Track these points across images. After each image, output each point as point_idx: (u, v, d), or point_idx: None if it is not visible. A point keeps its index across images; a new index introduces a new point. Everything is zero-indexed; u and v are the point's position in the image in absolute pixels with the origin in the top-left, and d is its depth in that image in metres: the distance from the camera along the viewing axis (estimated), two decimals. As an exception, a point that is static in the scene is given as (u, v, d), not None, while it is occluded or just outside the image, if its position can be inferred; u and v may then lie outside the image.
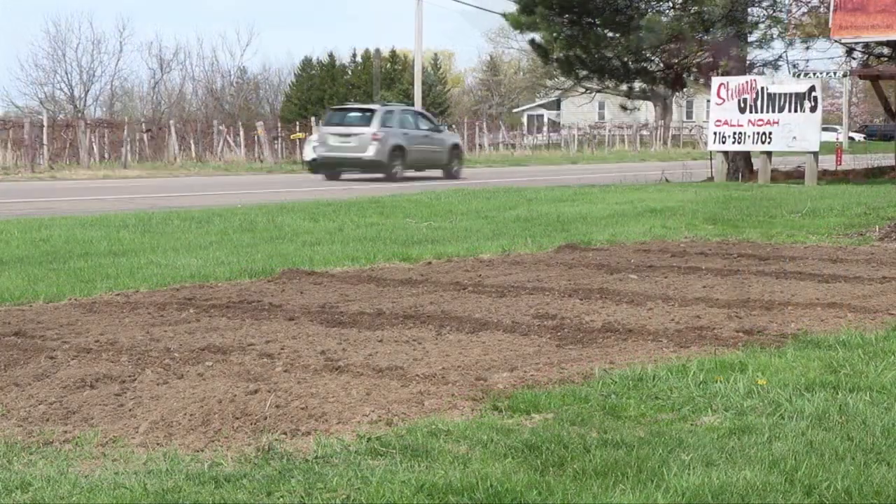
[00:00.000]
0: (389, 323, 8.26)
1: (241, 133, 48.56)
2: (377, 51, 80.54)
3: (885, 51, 34.09)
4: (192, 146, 46.53)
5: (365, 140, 33.92)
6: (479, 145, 61.64)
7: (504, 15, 35.05)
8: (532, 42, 35.27)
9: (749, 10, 32.33)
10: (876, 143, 70.00)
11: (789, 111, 27.44)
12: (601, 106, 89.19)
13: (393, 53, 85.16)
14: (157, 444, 5.19)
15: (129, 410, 5.70)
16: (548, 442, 5.05)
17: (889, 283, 10.18)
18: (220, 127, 48.97)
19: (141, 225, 16.37)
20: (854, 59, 36.47)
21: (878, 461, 4.82)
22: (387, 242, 14.19)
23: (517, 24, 33.94)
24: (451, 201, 21.53)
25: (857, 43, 32.21)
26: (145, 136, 46.86)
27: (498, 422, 5.48)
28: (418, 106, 50.40)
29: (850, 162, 37.49)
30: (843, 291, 9.73)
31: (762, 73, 32.83)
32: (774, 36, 31.94)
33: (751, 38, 32.55)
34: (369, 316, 8.57)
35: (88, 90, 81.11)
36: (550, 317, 8.53)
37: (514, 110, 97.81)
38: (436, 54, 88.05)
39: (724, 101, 28.50)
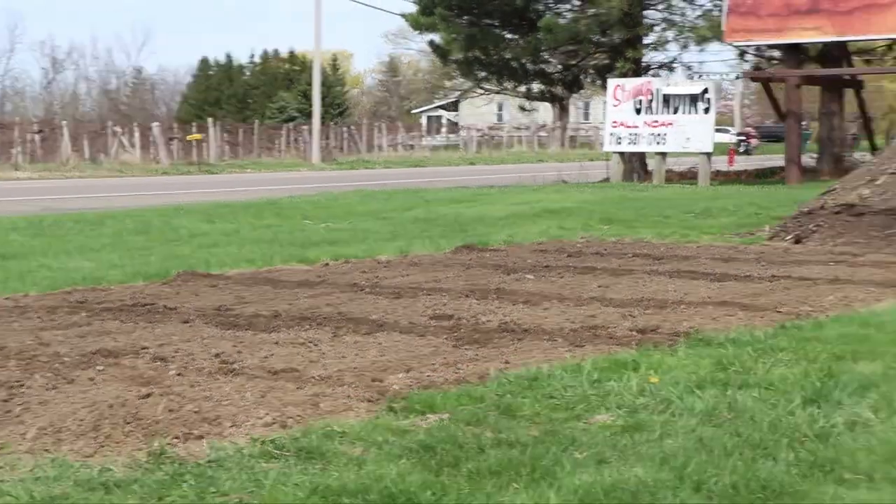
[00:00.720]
0: (286, 325, 8.22)
1: (137, 134, 47.90)
2: (276, 51, 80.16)
3: (777, 54, 34.73)
4: (86, 147, 45.79)
5: None
6: (378, 146, 61.47)
7: (403, 15, 35.08)
8: (431, 43, 35.31)
9: (645, 12, 32.72)
10: (769, 144, 71.26)
11: (683, 113, 27.82)
12: (500, 107, 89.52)
13: (291, 54, 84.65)
14: (46, 450, 5.09)
15: (17, 416, 5.58)
16: (443, 442, 5.06)
17: (778, 281, 10.37)
18: (115, 128, 48.26)
19: (31, 228, 16.09)
20: (746, 61, 37.10)
21: (765, 456, 4.90)
22: (284, 244, 14.12)
23: (416, 25, 33.96)
24: (349, 203, 21.49)
25: (749, 46, 32.77)
26: (37, 137, 46.00)
27: (393, 423, 5.48)
28: (317, 107, 50.00)
29: (742, 163, 38.12)
30: (734, 290, 9.88)
31: (658, 76, 33.26)
32: (669, 38, 32.39)
33: (646, 41, 32.96)
34: (265, 318, 8.52)
35: (-23, 90, 79.52)
36: (447, 317, 8.54)
37: (413, 111, 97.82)
38: (334, 55, 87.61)
39: (620, 102, 28.81)
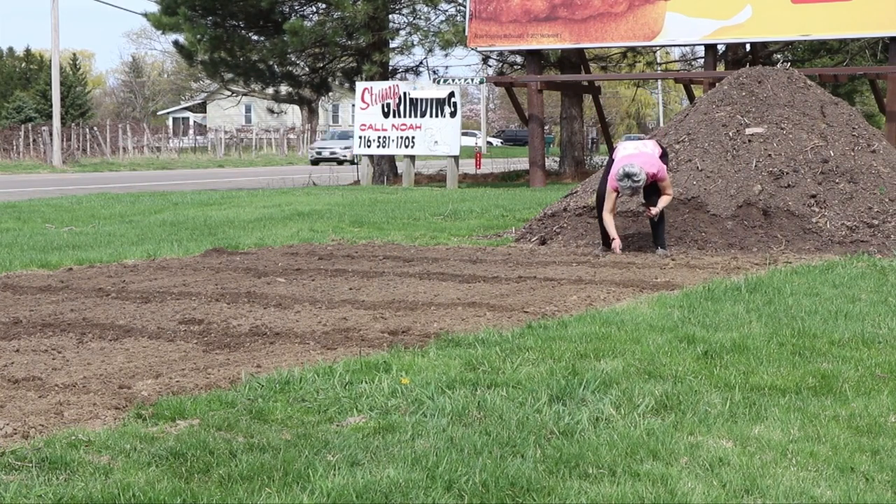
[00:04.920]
0: (27, 332, 7.95)
1: None
2: (10, 49, 77.34)
3: (519, 59, 35.62)
4: None
5: None
6: (123, 148, 60.00)
7: (146, 15, 34.33)
8: (176, 43, 34.71)
9: (390, 16, 33.02)
10: (513, 147, 72.97)
11: (431, 116, 28.18)
12: (248, 109, 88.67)
13: (28, 53, 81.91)
14: None
15: None
16: (193, 448, 4.99)
17: (524, 282, 10.62)
18: None
19: None
20: (490, 66, 37.95)
21: (514, 454, 5.01)
22: (24, 249, 13.65)
23: (159, 25, 33.29)
24: (93, 206, 20.93)
25: (491, 51, 33.48)
26: None
27: (142, 430, 5.37)
28: (56, 107, 48.43)
29: (489, 166, 38.91)
30: (483, 291, 10.07)
31: (405, 79, 33.64)
32: (415, 43, 32.78)
33: (393, 45, 33.27)
34: (5, 325, 8.22)
35: None
36: (197, 322, 8.42)
37: (159, 113, 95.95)
38: (74, 54, 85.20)
39: (368, 105, 28.98)
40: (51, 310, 9.00)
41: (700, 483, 4.68)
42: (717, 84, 16.58)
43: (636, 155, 12.72)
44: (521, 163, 38.67)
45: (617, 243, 12.82)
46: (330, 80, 35.98)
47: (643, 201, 13.09)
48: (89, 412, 5.69)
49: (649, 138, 14.17)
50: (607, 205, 12.86)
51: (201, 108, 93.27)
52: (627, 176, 12.37)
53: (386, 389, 6.09)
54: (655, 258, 12.55)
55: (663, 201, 12.90)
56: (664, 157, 12.98)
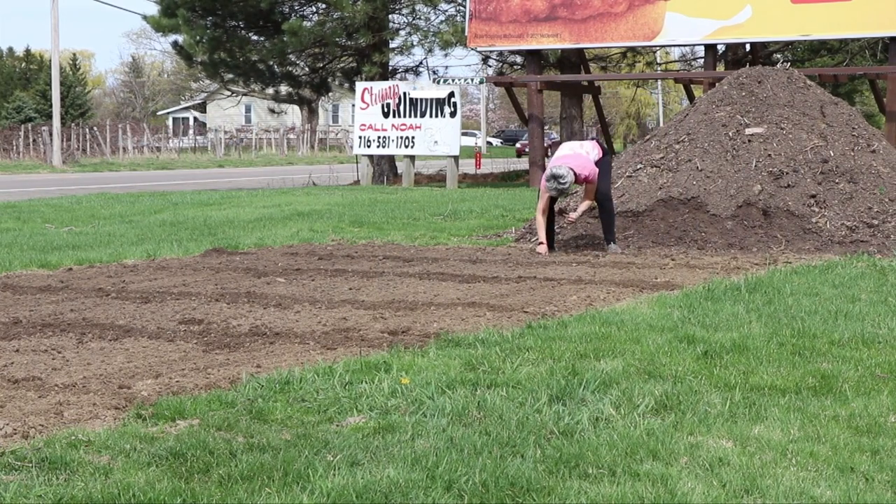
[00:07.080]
0: (27, 332, 7.95)
1: None
2: (10, 49, 77.36)
3: (519, 59, 35.62)
4: None
5: None
6: (123, 148, 59.96)
7: (145, 17, 34.28)
8: (175, 44, 34.66)
9: (390, 16, 33.01)
10: (512, 147, 72.98)
11: (430, 116, 28.16)
12: (248, 109, 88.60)
13: (28, 53, 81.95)
14: None
15: None
16: (193, 448, 4.99)
17: (524, 282, 10.62)
18: None
19: None
20: (490, 66, 37.95)
21: (513, 454, 5.01)
22: (24, 249, 13.65)
23: (159, 27, 33.25)
24: (93, 206, 20.93)
25: (491, 51, 33.48)
26: None
27: (142, 430, 5.37)
28: (56, 107, 48.41)
29: (488, 166, 38.91)
30: (483, 291, 10.06)
31: (405, 79, 33.64)
32: (415, 43, 32.77)
33: (392, 45, 33.27)
34: (4, 325, 8.22)
35: None
36: (197, 322, 8.42)
37: (159, 113, 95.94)
38: (74, 54, 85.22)
39: (368, 105, 28.97)
40: (51, 310, 9.00)
41: (700, 483, 4.68)
42: (716, 84, 16.58)
43: (570, 156, 12.95)
44: (521, 163, 38.68)
45: (543, 248, 13.07)
46: (330, 80, 35.96)
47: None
48: (89, 412, 5.69)
49: (591, 139, 14.29)
50: (540, 205, 13.18)
51: (201, 107, 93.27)
52: (554, 178, 12.68)
53: (386, 389, 6.09)
54: (655, 258, 12.54)
55: (582, 206, 13.26)
56: (604, 157, 13.10)
